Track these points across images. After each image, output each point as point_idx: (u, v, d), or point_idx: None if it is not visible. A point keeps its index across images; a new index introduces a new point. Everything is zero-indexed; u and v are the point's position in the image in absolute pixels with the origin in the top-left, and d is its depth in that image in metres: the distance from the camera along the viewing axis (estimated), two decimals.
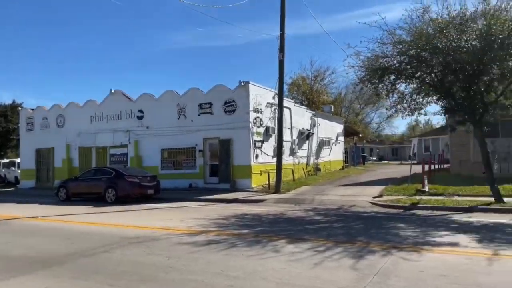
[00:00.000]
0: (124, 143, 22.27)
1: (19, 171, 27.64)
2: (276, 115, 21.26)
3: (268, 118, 20.57)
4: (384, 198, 14.51)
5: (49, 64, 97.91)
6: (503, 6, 11.23)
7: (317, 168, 25.91)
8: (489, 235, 7.82)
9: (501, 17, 11.06)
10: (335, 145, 31.46)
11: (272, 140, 20.87)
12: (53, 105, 25.23)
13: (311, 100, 44.07)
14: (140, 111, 21.86)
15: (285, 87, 39.89)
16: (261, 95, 19.88)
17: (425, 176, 16.22)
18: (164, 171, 20.68)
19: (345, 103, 49.21)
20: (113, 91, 22.75)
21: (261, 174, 19.32)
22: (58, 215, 12.38)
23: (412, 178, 21.04)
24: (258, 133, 19.54)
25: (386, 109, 14.87)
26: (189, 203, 15.35)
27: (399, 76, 13.81)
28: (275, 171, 19.04)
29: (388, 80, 14.09)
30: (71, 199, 17.16)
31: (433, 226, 9.01)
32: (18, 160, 29.70)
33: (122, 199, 15.76)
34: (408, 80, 13.87)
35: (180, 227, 9.53)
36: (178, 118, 20.70)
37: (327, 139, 29.26)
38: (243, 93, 19.02)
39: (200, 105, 20.11)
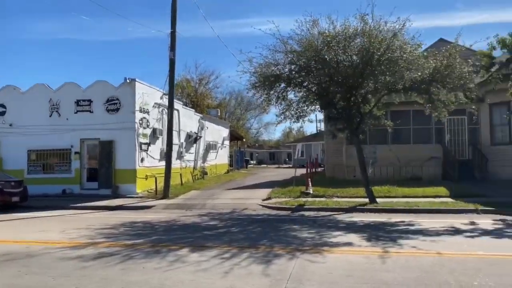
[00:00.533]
0: None
1: None
2: (164, 116, 20.52)
3: (155, 119, 19.60)
4: (273, 200, 14.96)
5: None
6: (379, 27, 12.53)
7: (204, 172, 25.65)
8: (374, 233, 8.54)
9: (378, 36, 12.34)
10: (221, 149, 31.65)
11: (159, 143, 19.97)
12: None
13: (196, 103, 43.70)
14: (2, 105, 18.79)
15: None
16: (148, 95, 18.83)
17: (309, 179, 17.21)
18: (32, 175, 18.09)
19: (229, 108, 50.09)
20: None
21: (146, 178, 18.27)
22: None
23: (295, 181, 22.36)
24: (145, 135, 18.45)
25: (276, 115, 15.24)
26: (66, 212, 13.63)
27: (289, 84, 14.44)
28: (162, 175, 18.25)
29: (279, 88, 14.64)
30: None
31: (324, 227, 9.52)
32: None
33: None
34: (296, 89, 14.58)
35: (60, 239, 8.30)
36: (50, 116, 18.34)
37: (213, 143, 29.24)
38: (129, 91, 17.76)
39: (77, 102, 18.13)
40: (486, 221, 9.91)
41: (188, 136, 23.94)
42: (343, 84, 13.45)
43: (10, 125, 18.58)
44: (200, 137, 25.77)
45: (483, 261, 6.06)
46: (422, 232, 8.52)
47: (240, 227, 9.72)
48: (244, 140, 45.21)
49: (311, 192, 15.95)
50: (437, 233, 8.43)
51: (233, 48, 65.16)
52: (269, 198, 15.49)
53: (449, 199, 13.88)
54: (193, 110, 26.90)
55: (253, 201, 14.92)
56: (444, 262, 6.00)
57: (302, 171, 30.23)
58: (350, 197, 15.06)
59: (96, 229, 9.48)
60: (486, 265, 5.83)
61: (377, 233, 8.53)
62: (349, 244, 7.47)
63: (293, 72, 14.11)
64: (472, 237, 8.02)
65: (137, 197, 16.66)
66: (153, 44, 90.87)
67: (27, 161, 18.45)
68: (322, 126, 58.16)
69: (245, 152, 51.09)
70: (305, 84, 14.15)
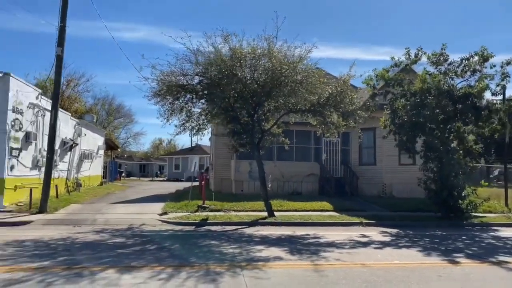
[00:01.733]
0: None
1: None
2: (40, 119, 18.18)
3: (29, 121, 17.05)
4: (171, 215, 14.36)
5: None
6: (286, 50, 13.35)
7: (78, 184, 23.16)
8: (293, 247, 8.90)
9: (285, 59, 13.12)
10: (96, 159, 29.09)
11: (32, 149, 17.47)
12: None
13: (62, 106, 39.39)
14: None
15: None
16: (23, 93, 16.34)
17: (203, 192, 17.06)
18: None
19: (101, 115, 46.52)
20: None
21: (15, 189, 15.72)
22: None
23: (179, 195, 21.90)
24: (16, 139, 15.89)
25: (175, 126, 14.84)
26: None
27: (195, 95, 14.28)
28: (35, 186, 15.99)
29: (184, 98, 14.35)
30: None
31: (241, 241, 9.55)
32: None
33: None
34: (202, 101, 14.50)
35: None
36: None
37: (89, 152, 26.70)
38: (1, 87, 15.14)
39: None
40: (375, 233, 11.25)
41: (63, 143, 21.44)
42: (249, 100, 13.87)
43: None
44: (77, 144, 23.32)
45: (405, 269, 6.89)
46: (334, 245, 9.23)
47: (154, 244, 9.08)
48: (119, 149, 42.39)
49: (208, 206, 15.82)
50: (346, 246, 9.23)
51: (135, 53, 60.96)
52: (165, 213, 14.81)
53: (335, 213, 15.32)
54: (70, 114, 24.23)
55: (149, 216, 14.09)
56: (375, 272, 6.64)
57: (180, 184, 30.09)
58: (247, 211, 15.41)
59: None
60: (409, 272, 6.65)
61: (295, 247, 8.92)
62: (279, 258, 7.65)
63: (201, 84, 14.02)
64: (379, 248, 9.02)
65: (4, 211, 14.14)
66: (27, 38, 79.12)
67: None
68: (199, 140, 58.48)
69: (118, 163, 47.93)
70: (211, 97, 14.11)
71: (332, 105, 14.08)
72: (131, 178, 55.94)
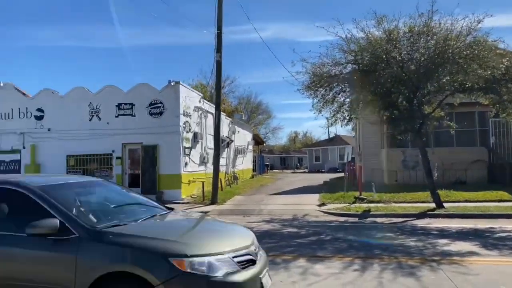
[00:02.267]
0: (16, 148, 18.34)
1: None
2: (203, 120, 20.13)
3: (195, 123, 19.11)
4: (330, 206, 14.40)
5: None
6: (451, 24, 12.05)
7: (234, 177, 25.11)
8: (482, 241, 7.98)
9: (451, 33, 11.85)
10: (246, 154, 31.15)
11: (199, 147, 19.51)
12: None
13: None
14: (40, 110, 18.29)
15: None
16: (190, 98, 18.38)
17: (360, 183, 16.67)
18: None
19: (245, 113, 49.63)
20: (1, 84, 18.63)
21: (189, 183, 17.78)
22: None
23: (328, 186, 21.87)
24: (187, 139, 17.97)
25: (327, 118, 14.80)
26: None
27: (348, 84, 13.99)
28: (202, 180, 17.81)
29: (336, 88, 14.19)
30: None
31: (418, 234, 8.97)
32: None
33: None
34: (356, 89, 14.12)
35: None
36: (90, 120, 17.85)
37: (241, 148, 28.75)
38: (173, 94, 17.29)
39: (118, 106, 17.65)
40: None
41: (222, 140, 23.42)
42: (408, 83, 12.97)
43: (48, 129, 18.09)
44: (232, 141, 25.29)
45: None
46: None
47: (328, 235, 9.17)
48: (264, 144, 44.70)
49: (365, 197, 15.39)
50: None
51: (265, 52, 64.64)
52: (323, 204, 14.93)
53: None
54: (224, 113, 26.38)
55: (309, 207, 14.38)
56: None
57: (322, 176, 29.87)
58: (409, 202, 14.50)
59: None
60: None
61: (487, 241, 7.98)
62: (474, 253, 6.92)
63: (354, 72, 13.68)
64: None
65: (183, 203, 16.12)
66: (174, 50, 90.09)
67: (66, 166, 17.92)
68: (338, 131, 57.79)
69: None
70: (365, 84, 13.64)
71: (510, 80, 12.23)
72: (274, 171, 58.40)
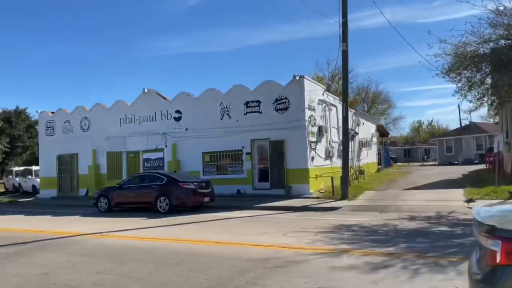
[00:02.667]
0: (160, 147, 20.40)
1: (37, 179, 25.65)
2: (327, 113, 19.73)
3: (320, 116, 18.84)
4: (480, 203, 12.77)
5: (46, 69, 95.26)
6: None
7: (360, 171, 24.15)
8: None
9: None
10: (371, 146, 29.80)
11: (324, 141, 19.18)
12: (76, 107, 23.32)
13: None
14: (178, 111, 20.02)
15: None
16: (314, 92, 18.17)
17: None
18: (207, 176, 18.77)
19: (367, 104, 47.61)
20: (146, 90, 20.90)
21: (316, 178, 17.58)
22: (121, 230, 10.52)
23: (472, 180, 19.51)
24: (313, 133, 17.80)
25: (470, 101, 13.15)
26: (256, 212, 13.52)
27: (499, 64, 12.21)
28: (329, 174, 17.42)
29: (484, 69, 12.53)
30: (113, 209, 15.27)
31: None
32: (34, 167, 27.70)
33: (177, 209, 13.94)
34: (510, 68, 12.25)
35: (295, 243, 7.73)
36: (221, 119, 18.89)
37: (365, 140, 27.60)
38: (297, 89, 17.28)
39: (246, 104, 18.32)
40: None
41: None
42: None
43: (186, 129, 19.68)
44: (357, 133, 24.40)
45: None
46: None
47: None
48: (389, 136, 42.34)
49: None
50: None
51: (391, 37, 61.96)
52: (471, 200, 13.32)
53: None
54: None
55: (453, 203, 12.97)
56: None
57: (458, 168, 26.90)
58: None
59: (318, 233, 8.81)
60: None
61: None
62: None
63: (507, 49, 11.88)
64: None
65: (312, 198, 15.98)
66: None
67: (202, 163, 19.30)
68: (472, 118, 51.74)
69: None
70: None
71: None
72: (398, 164, 54.96)
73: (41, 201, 22.43)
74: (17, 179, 28.80)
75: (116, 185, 15.82)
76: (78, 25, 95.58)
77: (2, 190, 30.95)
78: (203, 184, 14.70)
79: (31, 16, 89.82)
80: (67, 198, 22.21)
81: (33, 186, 26.01)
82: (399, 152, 70.83)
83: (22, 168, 31.00)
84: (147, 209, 14.37)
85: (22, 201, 23.10)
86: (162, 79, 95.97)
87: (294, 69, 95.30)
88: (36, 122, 50.58)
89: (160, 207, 14.04)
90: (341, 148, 21.34)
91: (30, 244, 8.95)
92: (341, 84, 46.61)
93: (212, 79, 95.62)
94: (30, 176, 26.65)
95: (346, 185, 15.51)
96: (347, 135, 15.99)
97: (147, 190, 14.49)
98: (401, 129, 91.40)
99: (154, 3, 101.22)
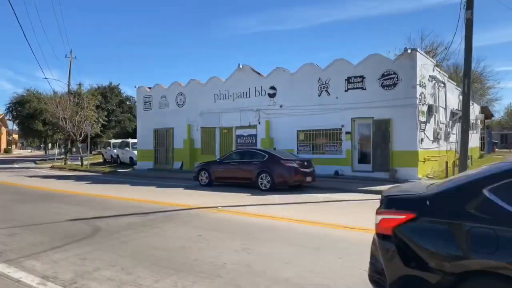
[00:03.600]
0: (253, 124, 20.16)
1: (134, 151, 27.05)
2: (437, 91, 17.94)
3: (430, 94, 17.14)
4: None
5: (133, 48, 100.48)
6: None
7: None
8: None
9: None
10: (477, 129, 27.01)
11: (432, 122, 17.50)
12: (172, 83, 23.88)
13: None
14: (272, 87, 19.50)
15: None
16: (425, 67, 16.49)
17: None
18: (301, 155, 18.17)
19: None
20: (241, 66, 20.63)
21: (424, 162, 16.12)
22: (235, 206, 10.31)
23: None
24: (422, 113, 16.25)
25: None
26: (363, 196, 12.60)
27: None
28: (435, 158, 15.86)
29: None
30: (213, 183, 15.32)
31: None
32: (131, 140, 29.31)
33: (278, 187, 13.54)
34: None
35: None
36: (319, 95, 18.01)
37: (471, 122, 24.97)
38: (408, 63, 15.77)
39: (348, 79, 17.20)
40: None
41: (452, 114, 20.67)
42: None
43: (280, 106, 19.14)
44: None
45: None
46: None
47: None
48: (492, 118, 38.36)
49: None
50: None
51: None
52: None
53: None
54: (455, 83, 23.23)
55: None
56: None
57: None
58: None
59: None
60: None
61: None
62: None
63: None
64: None
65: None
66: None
67: (296, 141, 18.70)
68: None
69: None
70: None
71: None
72: (496, 149, 49.91)
73: (139, 172, 23.49)
74: (115, 150, 30.71)
75: (217, 160, 15.84)
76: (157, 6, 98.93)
77: (101, 160, 33.34)
78: (305, 163, 14.08)
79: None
80: (163, 170, 23.05)
81: (130, 158, 27.51)
82: (495, 137, 64.41)
83: (119, 140, 33.05)
84: (247, 185, 14.17)
85: (122, 171, 24.45)
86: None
87: (384, 45, 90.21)
88: (127, 98, 54.09)
89: (261, 184, 13.73)
90: (448, 130, 19.53)
91: (152, 215, 9.03)
92: (437, 60, 43.06)
93: (282, 58, 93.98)
94: (127, 148, 28.22)
95: (464, 170, 13.91)
96: (467, 114, 14.24)
97: (248, 167, 14.25)
98: (495, 112, 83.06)
99: None
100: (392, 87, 16.07)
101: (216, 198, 11.79)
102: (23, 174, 22.60)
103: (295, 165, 13.63)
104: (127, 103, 52.39)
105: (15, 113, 45.13)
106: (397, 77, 15.96)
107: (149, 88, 25.37)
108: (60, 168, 27.87)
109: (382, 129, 16.31)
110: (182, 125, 23.03)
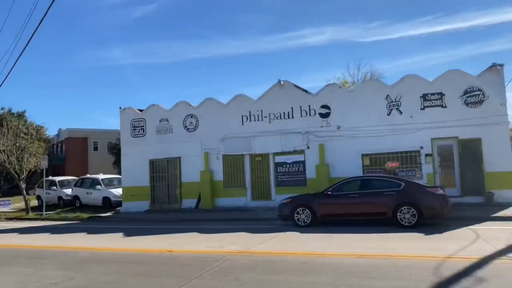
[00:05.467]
0: (299, 149, 17.25)
1: (111, 189, 21.47)
2: None
3: None
4: None
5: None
6: None
7: None
8: None
9: None
10: None
11: None
12: (178, 103, 19.59)
13: None
14: (325, 106, 17.00)
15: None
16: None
17: None
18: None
19: None
20: (281, 82, 17.71)
21: None
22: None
23: None
24: None
25: None
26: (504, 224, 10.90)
27: None
28: None
29: None
30: (316, 223, 12.03)
31: None
32: (102, 176, 23.42)
33: (426, 221, 11.01)
34: None
35: None
36: (388, 114, 16.13)
37: None
38: (494, 79, 14.97)
39: (424, 97, 15.71)
40: None
41: None
42: None
43: (338, 127, 16.72)
44: None
45: None
46: None
47: None
48: None
49: None
50: None
51: None
52: None
53: None
54: None
55: None
56: None
57: None
58: None
59: None
60: None
61: None
62: None
63: None
64: None
65: None
66: None
67: (361, 167, 16.34)
68: None
69: None
70: None
71: None
72: None
73: (133, 216, 18.28)
74: (68, 191, 24.25)
75: (323, 192, 12.55)
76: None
77: (36, 204, 25.99)
78: (443, 189, 11.86)
79: None
80: (167, 212, 18.41)
81: (105, 199, 21.64)
82: None
83: (70, 178, 26.41)
84: (376, 222, 11.32)
85: (104, 216, 18.88)
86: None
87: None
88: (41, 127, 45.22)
89: (402, 219, 11.02)
90: None
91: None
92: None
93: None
94: (99, 186, 22.20)
95: None
96: None
97: (379, 198, 11.42)
98: None
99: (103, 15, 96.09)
100: (478, 104, 15.05)
101: (366, 242, 8.79)
102: None
103: (442, 192, 11.32)
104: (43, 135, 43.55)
105: None
106: (482, 94, 15.01)
107: (140, 110, 20.57)
108: (7, 218, 20.57)
109: (471, 149, 15.06)
110: (195, 154, 18.86)
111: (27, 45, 13.21)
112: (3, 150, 21.39)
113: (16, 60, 17.86)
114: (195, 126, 19.09)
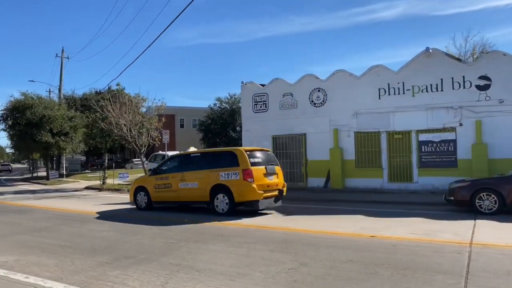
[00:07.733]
0: (450, 126, 15.28)
1: None
2: None
3: None
4: None
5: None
6: None
7: None
8: None
9: None
10: None
11: None
12: (303, 76, 18.43)
13: None
14: (484, 77, 14.77)
15: None
16: None
17: None
18: None
19: None
20: (430, 50, 15.72)
21: None
22: None
23: None
24: None
25: None
26: None
27: None
28: None
29: None
30: (503, 209, 10.25)
31: None
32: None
33: None
34: None
35: None
36: None
37: None
38: None
39: None
40: None
41: None
42: None
43: (501, 101, 14.45)
44: None
45: None
46: None
47: None
48: None
49: None
50: None
51: None
52: None
53: None
54: None
55: None
56: None
57: None
58: None
59: None
60: None
61: None
62: None
63: None
64: None
65: None
66: None
67: None
68: None
69: None
70: None
71: None
72: None
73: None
74: None
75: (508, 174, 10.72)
76: None
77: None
78: None
79: None
80: (294, 190, 17.46)
81: None
82: None
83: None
84: None
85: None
86: None
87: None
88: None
89: None
90: None
91: None
92: None
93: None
94: None
95: None
96: None
97: None
98: None
99: None
100: None
101: None
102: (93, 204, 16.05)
103: None
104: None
105: (10, 122, 36.58)
106: None
107: (262, 85, 19.75)
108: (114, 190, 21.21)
109: None
110: (322, 130, 17.67)
111: (155, 39, 12.68)
112: (125, 124, 21.87)
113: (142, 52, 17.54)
114: (323, 101, 17.82)
